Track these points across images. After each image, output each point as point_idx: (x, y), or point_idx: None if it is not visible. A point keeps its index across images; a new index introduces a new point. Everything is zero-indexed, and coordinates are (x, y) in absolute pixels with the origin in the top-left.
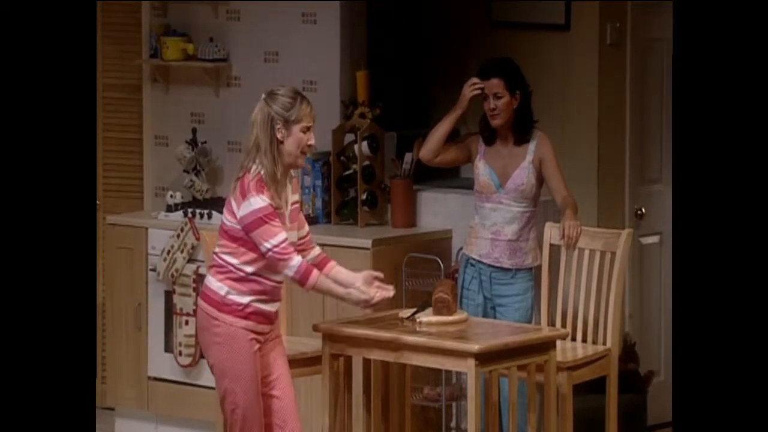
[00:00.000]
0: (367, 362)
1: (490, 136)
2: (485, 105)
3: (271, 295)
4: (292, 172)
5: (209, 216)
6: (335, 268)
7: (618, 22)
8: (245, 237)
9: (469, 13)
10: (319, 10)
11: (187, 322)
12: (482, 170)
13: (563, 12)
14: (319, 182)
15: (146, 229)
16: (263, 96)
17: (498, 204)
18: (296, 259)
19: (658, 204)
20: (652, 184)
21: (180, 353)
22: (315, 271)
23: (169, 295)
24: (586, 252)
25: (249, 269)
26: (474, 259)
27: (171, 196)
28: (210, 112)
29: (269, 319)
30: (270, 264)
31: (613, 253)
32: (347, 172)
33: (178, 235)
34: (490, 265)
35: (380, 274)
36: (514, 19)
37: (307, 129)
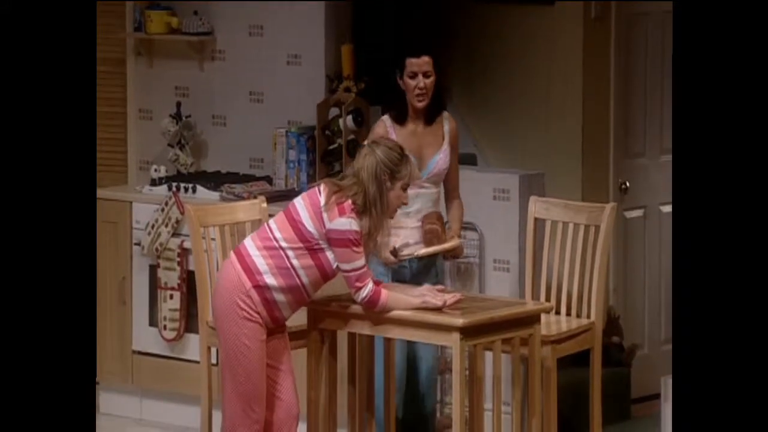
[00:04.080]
0: (352, 336)
1: (400, 115)
2: (412, 83)
3: (297, 308)
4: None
5: (194, 190)
6: (390, 286)
7: None
8: (318, 243)
9: None
10: None
11: (171, 296)
12: None
13: None
14: (303, 156)
15: (130, 203)
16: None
17: (420, 189)
18: (368, 287)
19: (643, 178)
20: (636, 157)
21: (164, 327)
22: (383, 291)
23: (153, 269)
24: (570, 226)
25: (305, 279)
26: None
27: (155, 170)
28: (194, 86)
29: (280, 323)
30: (343, 281)
31: (597, 227)
32: (332, 147)
33: (163, 209)
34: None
35: (442, 286)
36: None
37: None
